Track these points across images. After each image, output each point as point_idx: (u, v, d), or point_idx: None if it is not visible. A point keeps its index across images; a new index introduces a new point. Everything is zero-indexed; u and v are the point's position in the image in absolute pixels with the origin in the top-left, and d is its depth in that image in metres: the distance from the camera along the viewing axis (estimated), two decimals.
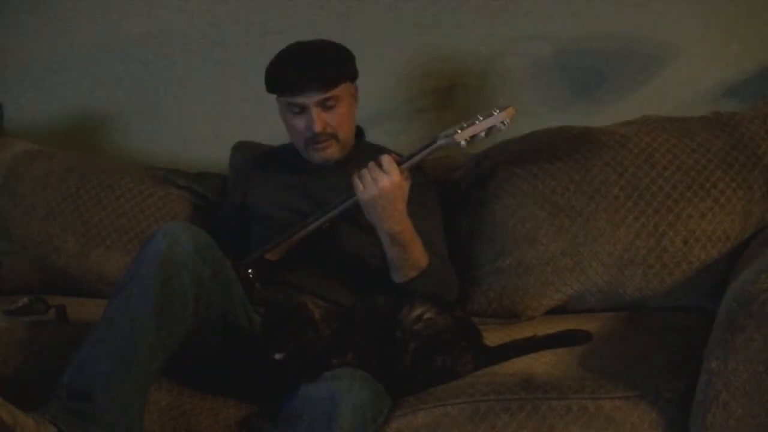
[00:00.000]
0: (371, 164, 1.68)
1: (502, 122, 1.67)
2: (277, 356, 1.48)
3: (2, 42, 2.59)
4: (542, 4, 2.22)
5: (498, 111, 1.66)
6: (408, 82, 2.29)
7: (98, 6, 2.51)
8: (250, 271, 1.77)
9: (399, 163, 1.68)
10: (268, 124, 2.02)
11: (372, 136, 2.03)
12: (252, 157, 2.07)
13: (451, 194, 2.01)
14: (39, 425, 1.35)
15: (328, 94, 1.81)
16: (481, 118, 1.67)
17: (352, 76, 1.88)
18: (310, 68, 1.81)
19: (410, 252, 1.71)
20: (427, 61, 2.29)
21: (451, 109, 2.32)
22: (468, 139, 1.68)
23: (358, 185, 1.67)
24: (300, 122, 1.84)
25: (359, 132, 1.97)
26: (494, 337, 1.66)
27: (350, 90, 1.88)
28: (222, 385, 1.62)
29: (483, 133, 1.68)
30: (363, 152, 1.90)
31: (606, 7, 2.18)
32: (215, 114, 2.47)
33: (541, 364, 1.55)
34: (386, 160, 1.67)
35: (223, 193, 2.13)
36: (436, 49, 2.29)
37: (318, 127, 1.82)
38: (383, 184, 1.65)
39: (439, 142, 1.70)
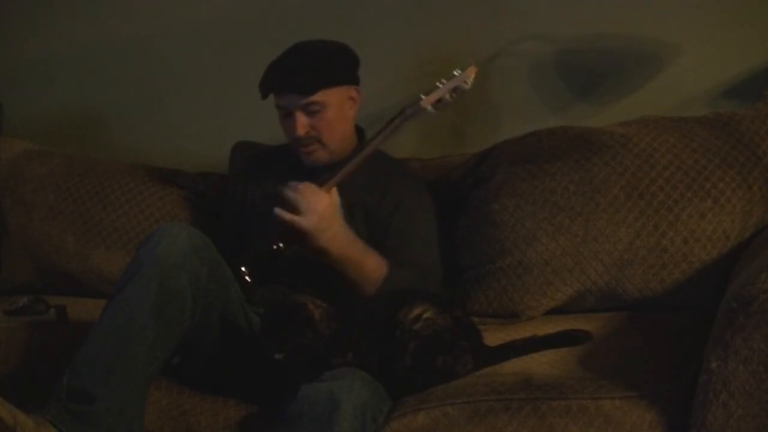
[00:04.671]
0: (299, 190, 1.69)
1: (465, 81, 1.72)
2: (277, 356, 1.48)
3: (2, 42, 2.59)
4: (542, 4, 2.22)
5: (459, 72, 1.72)
6: (408, 82, 2.29)
7: (98, 6, 2.51)
8: (244, 270, 1.77)
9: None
10: (268, 124, 2.02)
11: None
12: (251, 157, 2.07)
13: (451, 194, 2.01)
14: (39, 426, 1.35)
15: (310, 100, 1.79)
16: (444, 81, 1.72)
17: (342, 80, 1.84)
18: (291, 72, 1.81)
19: (365, 263, 1.73)
20: (427, 61, 2.29)
21: (450, 109, 2.30)
22: (434, 103, 1.73)
23: (295, 216, 1.68)
24: (287, 124, 1.85)
25: (360, 131, 1.96)
26: (494, 337, 1.66)
27: (347, 93, 1.86)
28: (222, 385, 1.62)
29: (448, 96, 1.72)
30: None
31: (605, 8, 2.18)
32: (215, 114, 2.47)
33: (541, 364, 1.55)
34: (306, 185, 1.70)
35: (223, 193, 2.13)
36: (436, 49, 2.29)
37: (299, 132, 1.81)
38: (320, 206, 1.68)
39: (407, 113, 1.73)
